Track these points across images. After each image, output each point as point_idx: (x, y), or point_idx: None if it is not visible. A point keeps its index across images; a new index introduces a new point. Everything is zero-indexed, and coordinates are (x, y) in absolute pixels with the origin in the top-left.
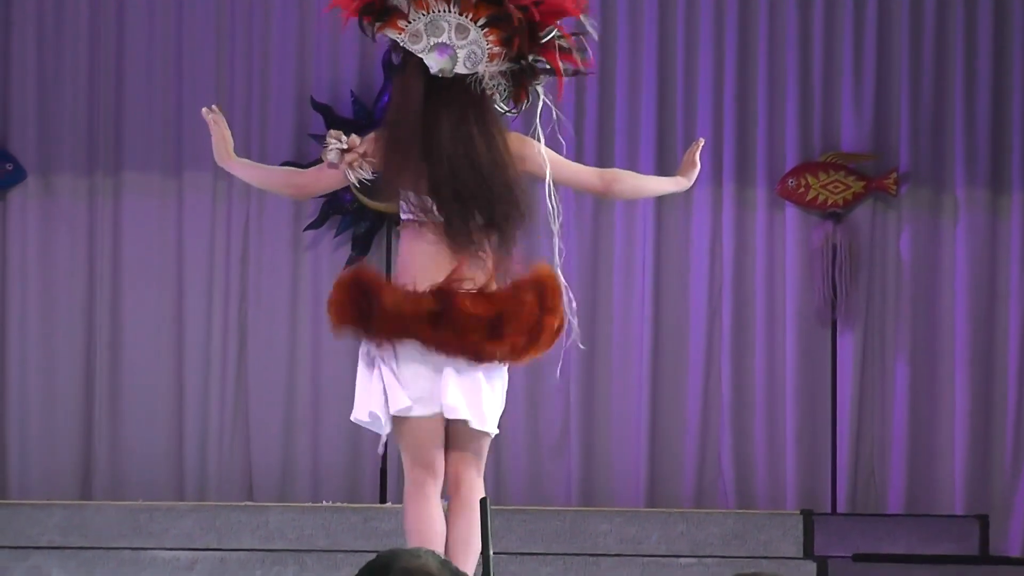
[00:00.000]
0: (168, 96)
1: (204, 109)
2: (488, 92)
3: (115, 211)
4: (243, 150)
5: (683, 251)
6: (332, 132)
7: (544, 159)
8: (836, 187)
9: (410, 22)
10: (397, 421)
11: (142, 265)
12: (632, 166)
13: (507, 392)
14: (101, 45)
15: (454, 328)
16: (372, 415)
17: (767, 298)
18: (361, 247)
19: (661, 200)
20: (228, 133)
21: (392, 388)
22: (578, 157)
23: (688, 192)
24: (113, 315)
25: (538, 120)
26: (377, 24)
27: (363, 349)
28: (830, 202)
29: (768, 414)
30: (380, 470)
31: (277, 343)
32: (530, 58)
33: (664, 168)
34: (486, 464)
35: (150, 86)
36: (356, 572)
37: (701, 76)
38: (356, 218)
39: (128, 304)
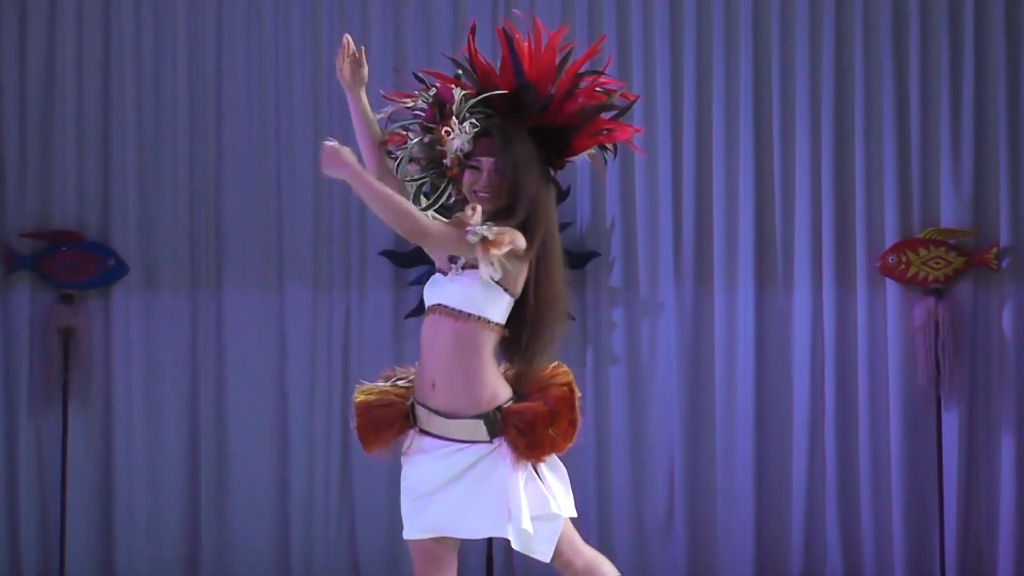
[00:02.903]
0: (267, 187)
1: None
2: None
3: (217, 303)
4: (342, 240)
5: (785, 329)
6: (474, 211)
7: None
8: (937, 263)
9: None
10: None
11: (245, 357)
12: (731, 248)
13: (614, 474)
14: (200, 138)
15: None
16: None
17: (870, 375)
18: None
19: (762, 278)
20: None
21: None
22: (676, 239)
23: (788, 270)
24: (218, 407)
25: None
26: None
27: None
28: (931, 278)
29: (874, 491)
30: (486, 554)
31: None
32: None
33: (763, 251)
34: (593, 546)
35: (249, 177)
36: None
37: (798, 153)
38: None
39: (232, 396)
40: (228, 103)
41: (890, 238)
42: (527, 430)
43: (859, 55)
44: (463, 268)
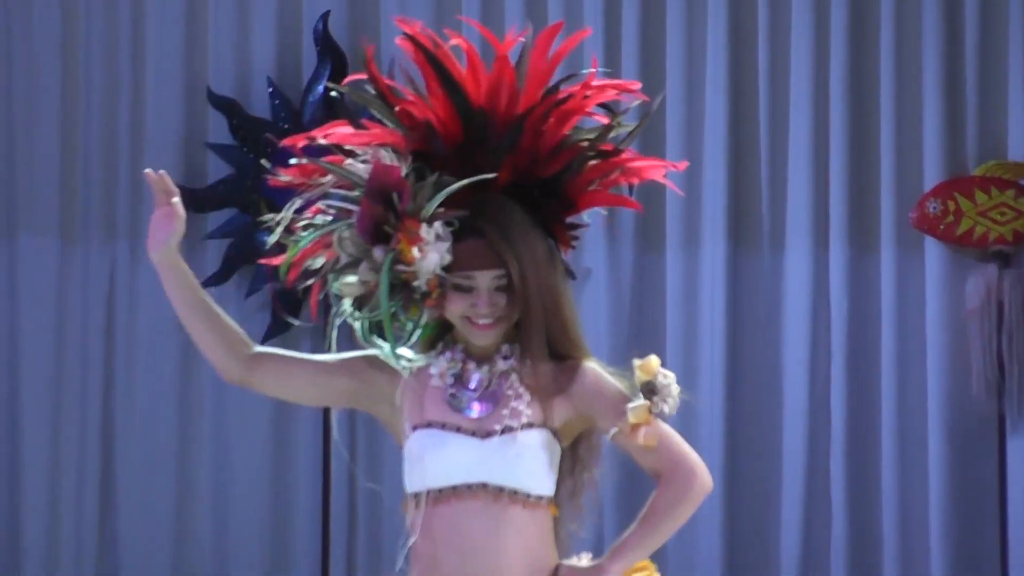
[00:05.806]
0: None
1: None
2: None
3: None
4: (105, 168)
5: (770, 312)
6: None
7: None
8: (1001, 213)
9: None
10: None
11: None
12: (691, 189)
13: None
14: None
15: None
16: None
17: (898, 383)
18: (286, 311)
19: (737, 235)
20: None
21: None
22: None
23: (776, 222)
24: None
25: None
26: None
27: None
28: (993, 236)
29: (902, 552)
30: None
31: (159, 458)
32: None
33: (740, 195)
34: None
35: None
36: None
37: (794, 51)
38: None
39: None
40: None
41: (931, 177)
42: None
43: None
44: (520, 426)
